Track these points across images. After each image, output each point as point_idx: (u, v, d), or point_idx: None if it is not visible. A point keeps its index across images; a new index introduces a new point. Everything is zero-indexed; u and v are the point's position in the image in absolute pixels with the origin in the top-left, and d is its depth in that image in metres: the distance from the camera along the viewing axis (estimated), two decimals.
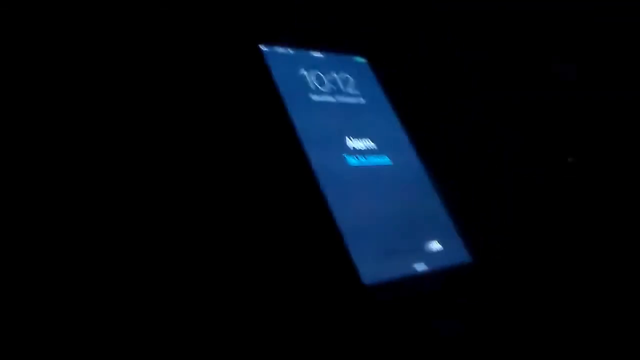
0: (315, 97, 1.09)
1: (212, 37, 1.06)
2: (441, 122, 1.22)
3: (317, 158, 0.98)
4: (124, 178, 0.85)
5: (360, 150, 1.06)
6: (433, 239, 1.01)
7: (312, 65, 1.14)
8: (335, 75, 1.16)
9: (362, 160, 1.04)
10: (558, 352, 0.92)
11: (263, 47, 1.10)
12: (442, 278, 0.97)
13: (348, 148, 1.05)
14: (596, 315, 0.99)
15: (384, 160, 1.07)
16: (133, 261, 0.79)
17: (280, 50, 1.12)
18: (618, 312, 1.00)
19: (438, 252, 1.00)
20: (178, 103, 0.96)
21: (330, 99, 1.11)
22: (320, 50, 1.18)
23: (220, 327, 0.79)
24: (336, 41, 1.21)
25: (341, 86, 1.15)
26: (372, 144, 1.08)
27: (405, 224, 1.00)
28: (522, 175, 1.23)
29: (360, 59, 1.24)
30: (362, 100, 1.15)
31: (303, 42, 1.17)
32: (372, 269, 0.90)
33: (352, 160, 1.03)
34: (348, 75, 1.17)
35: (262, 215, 0.91)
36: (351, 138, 1.06)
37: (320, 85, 1.11)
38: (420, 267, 0.96)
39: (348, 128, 1.08)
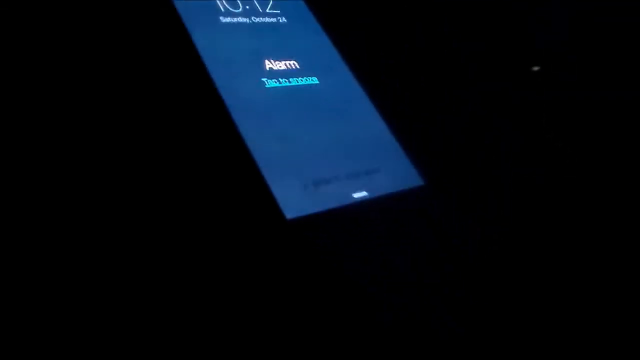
0: (225, 20, 0.94)
1: None
2: (373, 34, 1.07)
3: (225, 83, 0.83)
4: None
5: (281, 71, 0.91)
6: (376, 163, 0.87)
7: None
8: None
9: (284, 82, 0.90)
10: (514, 279, 0.79)
11: None
12: (387, 204, 0.83)
13: (265, 70, 0.90)
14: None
15: (311, 81, 0.93)
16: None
17: None
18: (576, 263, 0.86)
19: (382, 178, 0.86)
20: (73, 37, 0.82)
21: (244, 19, 0.96)
22: None
23: (137, 273, 0.66)
24: None
25: (258, 6, 1.00)
26: (295, 63, 0.93)
27: (339, 149, 0.85)
28: (471, 89, 1.08)
29: None
30: (283, 20, 1.00)
31: None
32: (298, 201, 0.76)
33: (271, 83, 0.88)
34: None
35: (166, 151, 0.77)
36: (270, 59, 0.91)
37: (231, 7, 0.97)
38: (360, 194, 0.82)
39: (265, 49, 0.92)
